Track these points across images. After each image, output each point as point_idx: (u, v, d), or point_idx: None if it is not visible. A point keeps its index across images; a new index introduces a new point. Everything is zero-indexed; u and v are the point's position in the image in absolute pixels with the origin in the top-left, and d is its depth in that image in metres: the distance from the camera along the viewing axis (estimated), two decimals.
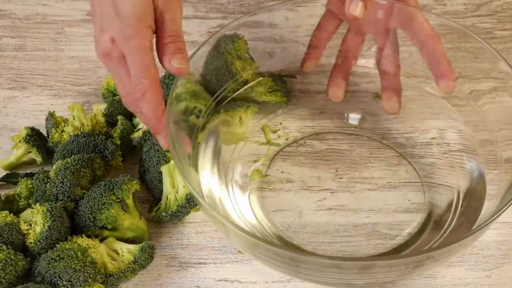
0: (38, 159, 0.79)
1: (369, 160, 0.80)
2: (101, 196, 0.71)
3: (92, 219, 0.71)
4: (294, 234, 0.74)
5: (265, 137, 0.82)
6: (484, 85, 0.76)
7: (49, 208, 0.70)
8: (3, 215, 0.71)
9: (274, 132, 0.83)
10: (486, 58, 0.74)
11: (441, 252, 0.61)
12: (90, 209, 0.71)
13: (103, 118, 0.82)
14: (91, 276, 0.67)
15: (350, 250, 0.73)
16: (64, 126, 0.81)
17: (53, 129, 0.80)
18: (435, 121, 0.81)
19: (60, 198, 0.73)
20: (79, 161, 0.74)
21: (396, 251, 0.72)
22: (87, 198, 0.72)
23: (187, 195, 0.73)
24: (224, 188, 0.76)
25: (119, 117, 0.81)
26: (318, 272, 0.63)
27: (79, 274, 0.66)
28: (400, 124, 0.83)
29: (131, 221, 0.72)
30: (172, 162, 0.74)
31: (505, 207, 0.63)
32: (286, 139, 0.82)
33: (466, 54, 0.77)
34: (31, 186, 0.75)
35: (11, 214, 0.71)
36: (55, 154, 0.78)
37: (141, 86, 0.65)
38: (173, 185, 0.74)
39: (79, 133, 0.78)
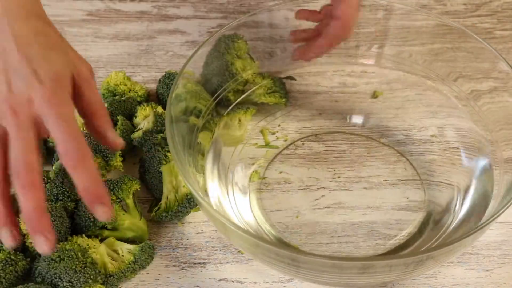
0: None
1: (367, 159, 0.80)
2: None
3: (92, 219, 0.71)
4: (292, 236, 0.74)
5: (264, 139, 0.82)
6: (484, 85, 0.76)
7: (49, 208, 0.70)
8: None
9: (273, 134, 0.83)
10: (486, 58, 0.74)
11: (441, 252, 0.61)
12: None
13: None
14: (91, 277, 0.67)
15: (348, 251, 0.73)
16: None
17: None
18: (435, 119, 0.81)
19: (60, 198, 0.72)
20: None
21: (395, 252, 0.72)
22: None
23: (187, 195, 0.73)
24: (224, 190, 0.76)
25: (119, 117, 0.80)
26: (318, 272, 0.63)
27: (80, 275, 0.66)
28: (399, 122, 0.82)
29: (131, 221, 0.72)
30: (172, 162, 0.74)
31: (505, 207, 0.63)
32: (285, 141, 0.82)
33: (466, 54, 0.77)
34: None
35: None
36: (55, 154, 0.78)
37: (75, 154, 0.57)
38: (173, 185, 0.74)
39: None
